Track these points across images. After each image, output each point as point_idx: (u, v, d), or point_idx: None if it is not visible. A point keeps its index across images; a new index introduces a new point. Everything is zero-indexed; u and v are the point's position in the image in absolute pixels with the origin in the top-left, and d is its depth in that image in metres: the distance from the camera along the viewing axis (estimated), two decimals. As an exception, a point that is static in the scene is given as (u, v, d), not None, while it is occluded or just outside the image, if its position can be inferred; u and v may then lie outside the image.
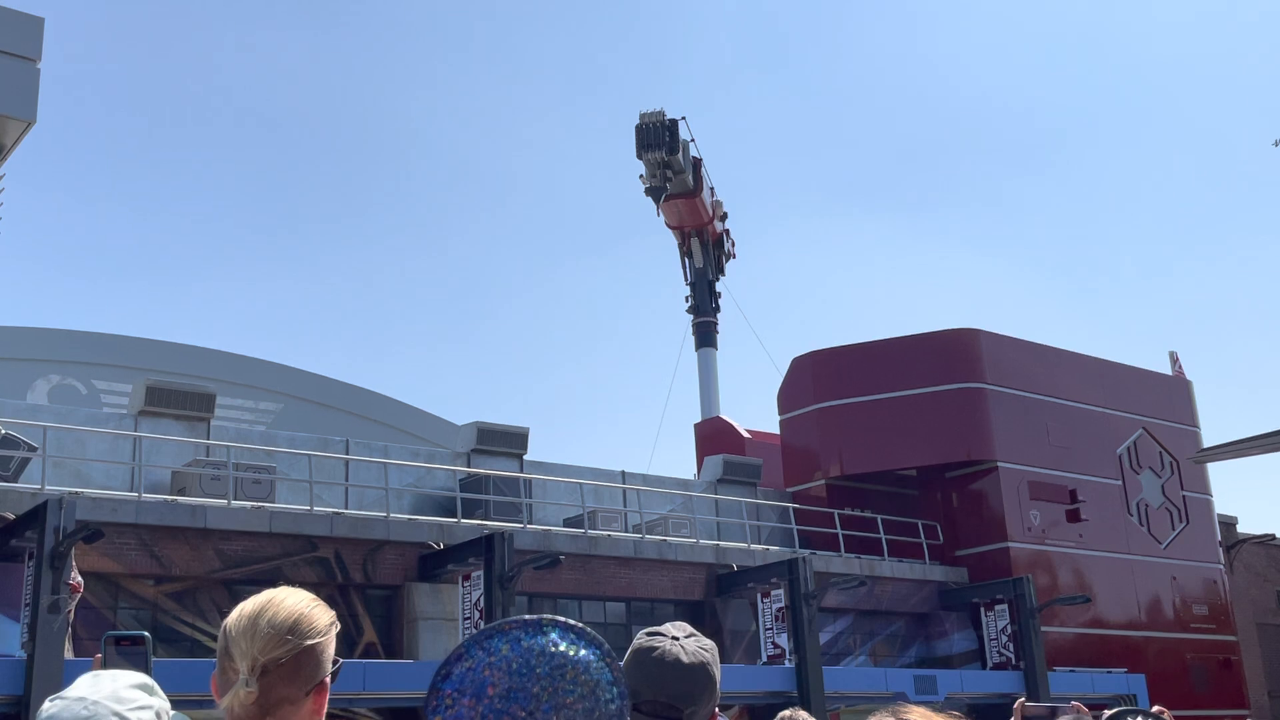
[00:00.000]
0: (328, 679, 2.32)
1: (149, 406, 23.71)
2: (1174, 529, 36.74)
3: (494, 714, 1.69)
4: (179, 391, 24.32)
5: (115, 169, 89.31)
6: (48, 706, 2.09)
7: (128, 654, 2.38)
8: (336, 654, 2.36)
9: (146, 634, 2.43)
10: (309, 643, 2.26)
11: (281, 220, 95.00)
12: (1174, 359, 40.51)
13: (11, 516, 18.72)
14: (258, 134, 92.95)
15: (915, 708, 2.38)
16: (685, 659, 2.37)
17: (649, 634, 2.45)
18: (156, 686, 2.20)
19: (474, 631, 2.25)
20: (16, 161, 19.89)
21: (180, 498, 21.65)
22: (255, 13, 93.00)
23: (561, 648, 1.75)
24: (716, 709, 2.46)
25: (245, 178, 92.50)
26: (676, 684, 2.34)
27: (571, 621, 1.78)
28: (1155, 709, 3.40)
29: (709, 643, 2.49)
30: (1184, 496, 37.36)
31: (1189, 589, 36.33)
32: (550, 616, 1.80)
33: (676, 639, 2.43)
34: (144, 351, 38.38)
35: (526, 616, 1.80)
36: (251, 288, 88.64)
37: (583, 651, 1.76)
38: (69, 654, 17.28)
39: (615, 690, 1.75)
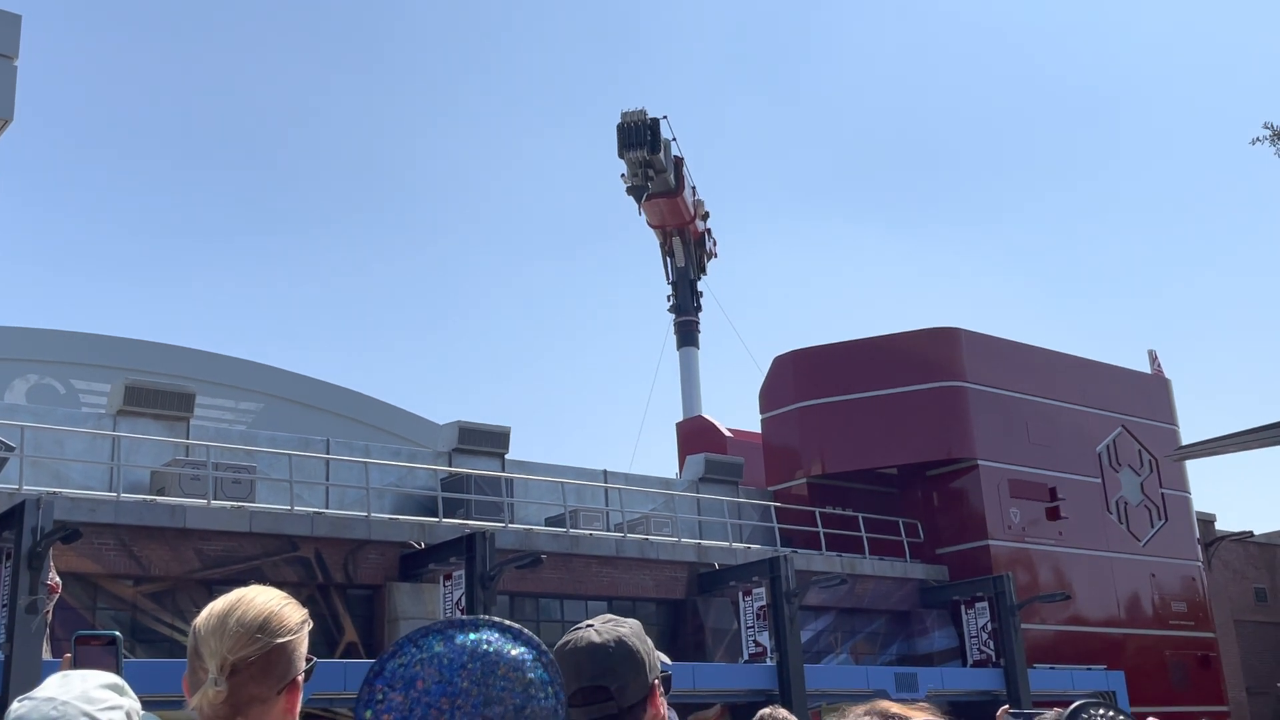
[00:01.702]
0: (300, 678, 2.29)
1: (128, 406, 23.59)
2: (1153, 526, 36.93)
3: (421, 707, 1.69)
4: (158, 391, 24.20)
5: (94, 168, 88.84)
6: (16, 707, 2.07)
7: (98, 653, 2.36)
8: (317, 654, 2.33)
9: (117, 633, 2.41)
10: (279, 641, 2.25)
11: (262, 220, 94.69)
12: (1153, 358, 40.71)
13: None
14: (238, 134, 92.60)
15: (895, 704, 2.40)
16: (597, 639, 2.38)
17: (570, 631, 2.47)
18: (127, 687, 2.18)
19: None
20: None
21: (159, 498, 21.54)
22: (235, 13, 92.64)
23: (495, 646, 1.75)
24: (656, 682, 2.45)
25: (226, 177, 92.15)
26: (592, 665, 2.35)
27: (508, 622, 1.79)
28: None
29: (631, 621, 2.48)
30: (1163, 494, 37.55)
31: (1168, 586, 36.51)
32: (487, 617, 1.81)
33: (591, 625, 2.44)
34: (123, 351, 38.17)
35: (463, 616, 1.81)
36: (232, 287, 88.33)
37: (517, 650, 1.76)
38: (47, 655, 17.15)
39: (550, 689, 1.76)
